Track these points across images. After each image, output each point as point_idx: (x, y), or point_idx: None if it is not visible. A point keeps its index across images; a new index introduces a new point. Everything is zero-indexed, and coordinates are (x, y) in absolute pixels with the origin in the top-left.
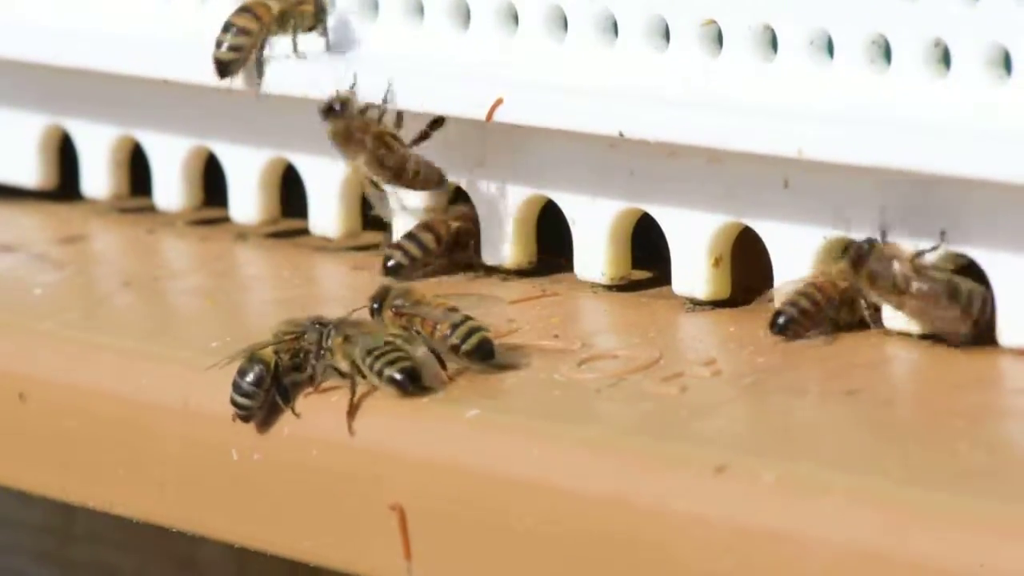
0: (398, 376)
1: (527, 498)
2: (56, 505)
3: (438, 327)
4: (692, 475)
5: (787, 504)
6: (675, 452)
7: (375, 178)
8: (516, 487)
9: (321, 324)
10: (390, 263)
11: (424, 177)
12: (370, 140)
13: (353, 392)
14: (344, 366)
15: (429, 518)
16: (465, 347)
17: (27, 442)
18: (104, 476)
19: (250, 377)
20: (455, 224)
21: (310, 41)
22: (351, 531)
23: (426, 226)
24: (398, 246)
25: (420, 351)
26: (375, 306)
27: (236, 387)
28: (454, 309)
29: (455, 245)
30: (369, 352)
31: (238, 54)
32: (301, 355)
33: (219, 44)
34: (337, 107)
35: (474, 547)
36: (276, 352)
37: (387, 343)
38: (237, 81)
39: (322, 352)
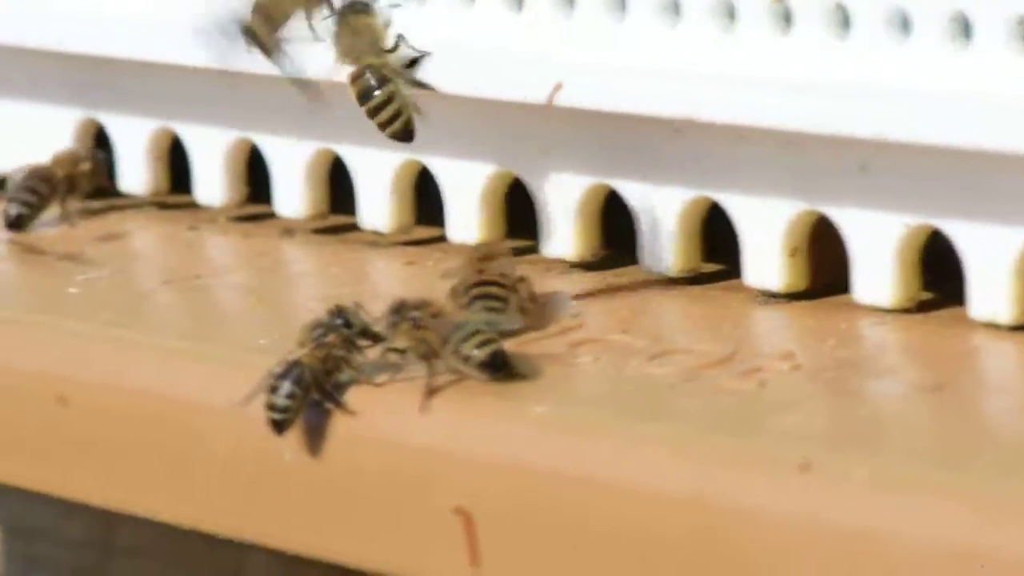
0: (488, 359)
1: (601, 499)
2: (96, 517)
3: (448, 338)
4: (775, 473)
5: (877, 502)
6: (756, 449)
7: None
8: (589, 487)
9: (344, 315)
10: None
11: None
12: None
13: (431, 375)
14: (415, 351)
15: (496, 522)
16: (478, 358)
17: (68, 448)
18: (148, 482)
19: (288, 379)
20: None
21: None
22: (412, 537)
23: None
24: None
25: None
26: (393, 319)
27: (272, 391)
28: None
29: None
30: (452, 334)
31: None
32: (343, 351)
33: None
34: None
35: (545, 551)
36: (315, 352)
37: (468, 324)
38: (277, 68)
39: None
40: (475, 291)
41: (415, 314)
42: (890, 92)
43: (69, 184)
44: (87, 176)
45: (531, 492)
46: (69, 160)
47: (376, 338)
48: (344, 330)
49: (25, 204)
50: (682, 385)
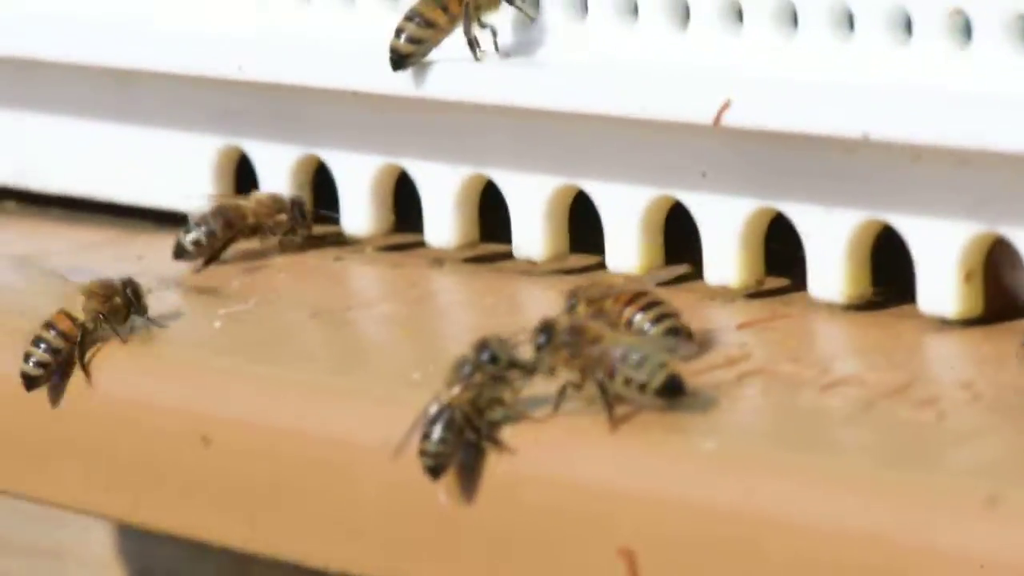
0: (668, 383)
1: (775, 538)
2: (230, 561)
3: (618, 369)
4: (960, 509)
5: None
6: (939, 484)
7: None
8: (763, 526)
9: (489, 350)
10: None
11: None
12: None
13: (609, 405)
14: (577, 379)
15: (663, 563)
16: (654, 384)
17: (211, 489)
18: (296, 524)
19: (439, 424)
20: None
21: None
22: None
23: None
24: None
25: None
26: (541, 341)
27: (425, 437)
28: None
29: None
30: (622, 360)
31: (417, 47)
32: (493, 389)
33: (399, 33)
34: None
35: None
36: (464, 393)
37: (634, 349)
38: (426, 88)
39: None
40: (651, 314)
41: (566, 338)
42: None
43: (254, 230)
44: (280, 226)
45: (700, 531)
46: (267, 205)
47: (528, 369)
48: (491, 366)
49: (195, 243)
50: (856, 416)
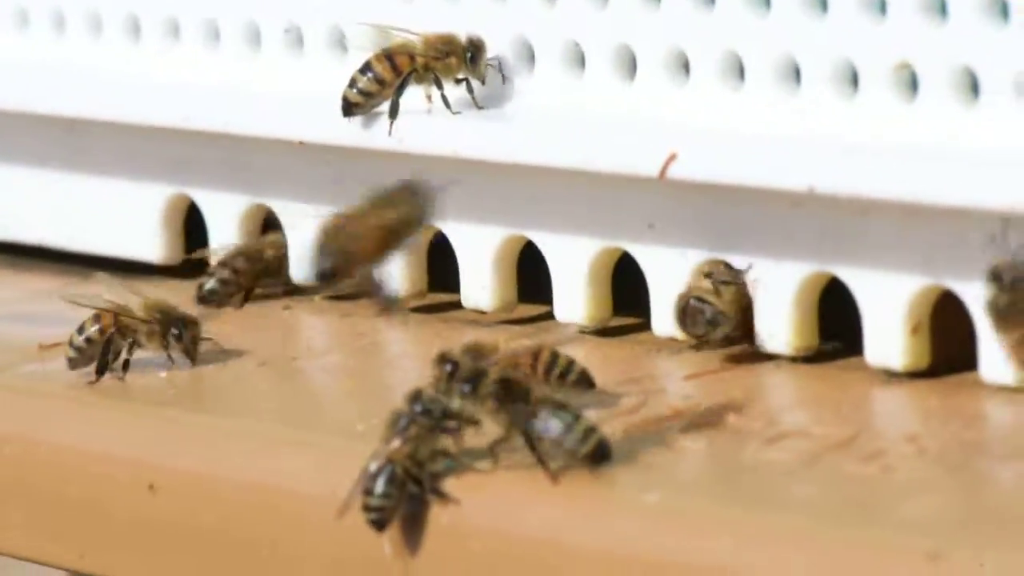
0: (597, 452)
1: None
2: None
3: (544, 434)
4: (903, 564)
5: None
6: (883, 539)
7: None
8: None
9: (421, 403)
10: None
11: None
12: None
13: (541, 459)
14: (506, 434)
15: None
16: (583, 451)
17: (158, 538)
18: (241, 573)
19: (381, 479)
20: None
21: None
22: None
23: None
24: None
25: None
26: (465, 389)
27: (366, 492)
28: (562, 405)
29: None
30: (548, 422)
31: (366, 100)
32: (431, 441)
33: (352, 83)
34: None
35: None
36: (403, 447)
37: (560, 411)
38: (375, 139)
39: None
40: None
41: (493, 389)
42: (1021, 160)
43: (268, 267)
44: (283, 261)
45: None
46: (273, 245)
47: (464, 419)
48: (424, 419)
49: (222, 281)
50: (801, 471)
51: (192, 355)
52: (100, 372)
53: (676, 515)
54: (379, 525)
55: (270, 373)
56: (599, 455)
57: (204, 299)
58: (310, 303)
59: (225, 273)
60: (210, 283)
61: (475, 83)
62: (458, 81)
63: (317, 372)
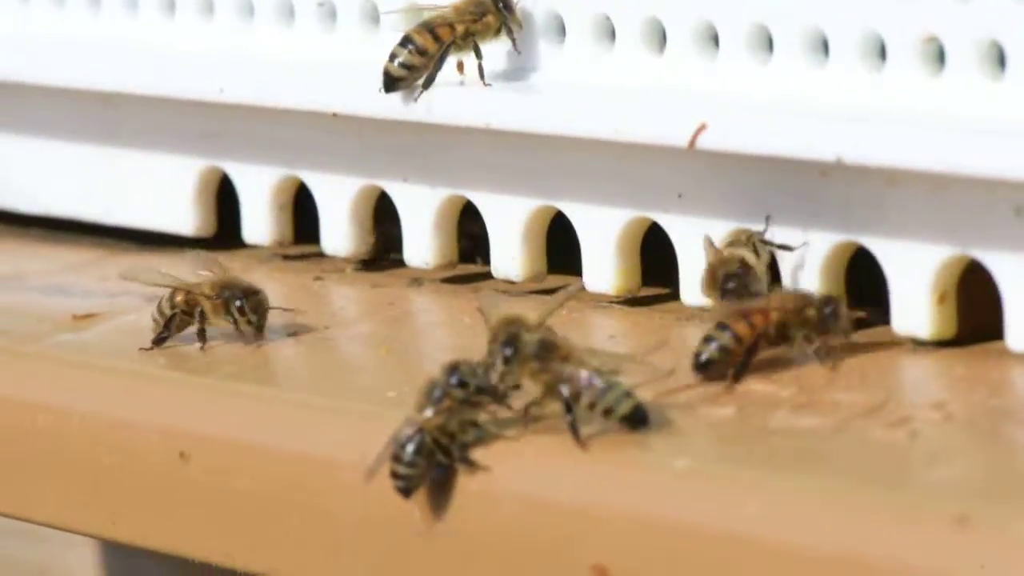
0: (633, 415)
1: (747, 558)
2: None
3: (584, 392)
4: (930, 528)
5: None
6: (910, 503)
7: None
8: (734, 545)
9: (459, 375)
10: None
11: None
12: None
13: (574, 424)
14: (540, 394)
15: None
16: (620, 412)
17: (189, 505)
18: (273, 540)
19: (410, 448)
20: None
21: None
22: None
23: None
24: None
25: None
26: (508, 352)
27: (395, 459)
28: (601, 370)
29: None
30: (589, 383)
31: (409, 73)
32: (463, 413)
33: (392, 57)
34: None
35: None
36: (435, 418)
37: (600, 373)
38: (407, 111)
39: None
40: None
41: (535, 351)
42: None
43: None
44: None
45: (672, 549)
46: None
47: (496, 395)
48: (459, 391)
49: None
50: (829, 437)
51: (257, 326)
52: (157, 343)
53: (706, 479)
54: (406, 492)
55: (301, 342)
56: (637, 418)
57: None
58: (341, 274)
59: None
60: None
61: (514, 34)
62: (497, 32)
63: (348, 341)
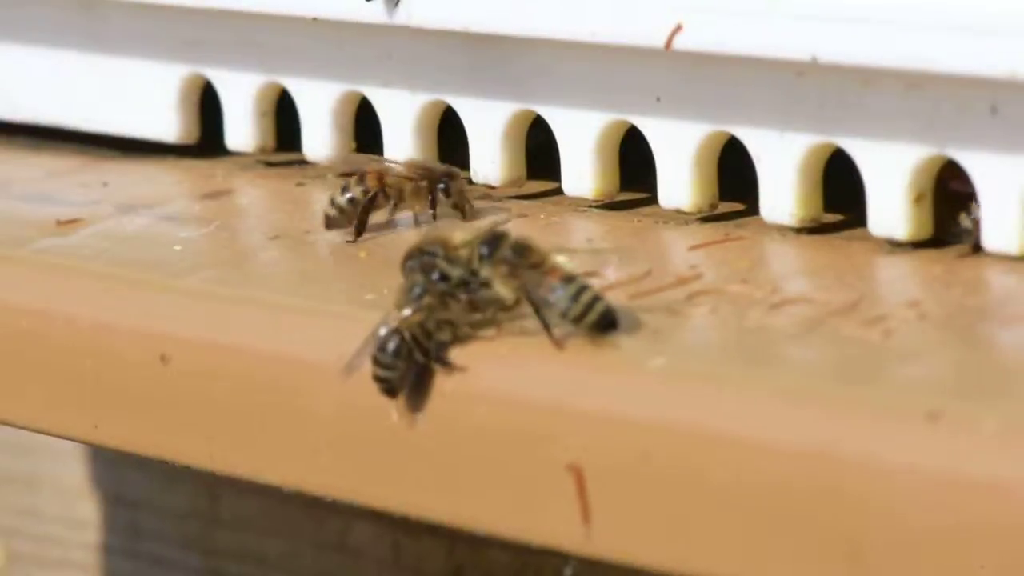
0: (602, 321)
1: (719, 453)
2: (200, 487)
3: (552, 296)
4: (902, 423)
5: (1010, 452)
6: (882, 399)
7: None
8: (707, 442)
9: (435, 270)
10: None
11: None
12: None
13: (546, 324)
14: (513, 301)
15: (610, 478)
16: (589, 319)
17: (170, 407)
18: (253, 441)
19: (390, 347)
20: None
21: None
22: (523, 495)
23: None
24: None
25: None
26: (484, 251)
27: (376, 361)
28: (571, 276)
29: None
30: (556, 290)
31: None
32: (442, 311)
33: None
34: None
35: (660, 508)
36: (413, 316)
37: (569, 282)
38: (386, 15)
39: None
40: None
41: (509, 254)
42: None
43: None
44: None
45: (646, 447)
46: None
47: (478, 281)
48: (440, 285)
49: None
50: (803, 335)
51: (464, 209)
52: (359, 232)
53: (681, 378)
54: (391, 393)
55: (282, 246)
56: (604, 323)
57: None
58: (323, 180)
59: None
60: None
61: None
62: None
63: (328, 246)
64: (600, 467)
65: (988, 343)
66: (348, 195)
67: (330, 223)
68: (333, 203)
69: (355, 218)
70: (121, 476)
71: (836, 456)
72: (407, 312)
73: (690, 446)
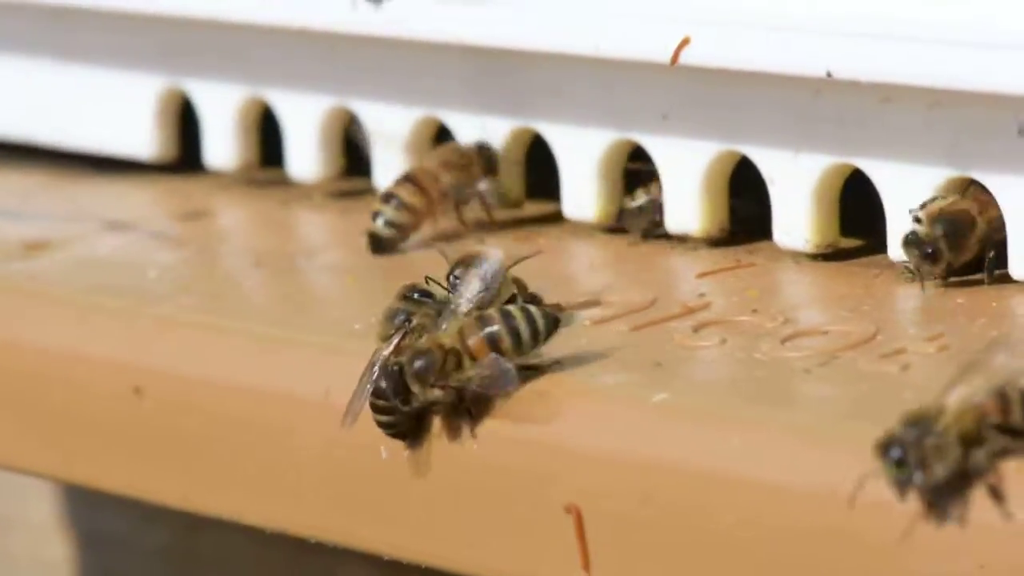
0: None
1: (726, 495)
2: (179, 524)
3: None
4: None
5: None
6: None
7: None
8: (712, 483)
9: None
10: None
11: None
12: None
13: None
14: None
15: (610, 520)
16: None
17: (144, 444)
18: (232, 481)
19: (388, 390)
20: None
21: None
22: (519, 537)
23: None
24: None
25: None
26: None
27: (374, 407)
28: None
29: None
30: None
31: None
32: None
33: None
34: None
35: (663, 553)
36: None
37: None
38: (375, 26)
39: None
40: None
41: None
42: None
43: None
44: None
45: (648, 488)
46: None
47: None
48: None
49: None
50: (817, 369)
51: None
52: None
53: (684, 414)
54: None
55: (265, 272)
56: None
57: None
58: (309, 200)
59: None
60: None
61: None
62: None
63: (314, 271)
64: (600, 510)
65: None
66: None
67: (381, 245)
68: (384, 220)
69: (411, 231)
70: (95, 514)
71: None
72: (393, 344)
73: (693, 487)
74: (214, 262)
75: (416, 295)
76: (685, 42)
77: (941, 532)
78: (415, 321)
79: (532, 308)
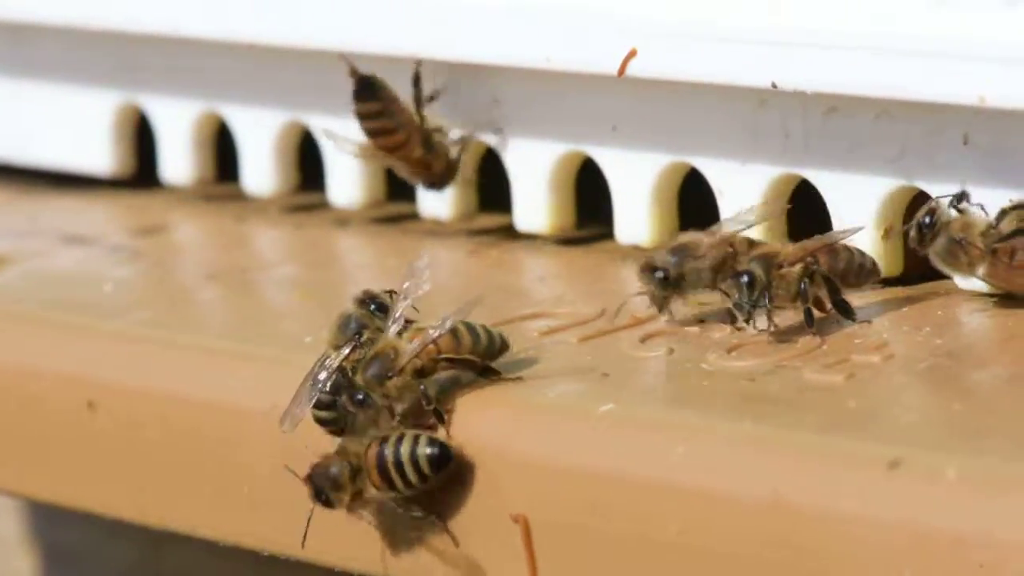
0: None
1: (671, 504)
2: (144, 541)
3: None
4: (862, 473)
5: (971, 503)
6: (842, 447)
7: None
8: (658, 492)
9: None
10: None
11: None
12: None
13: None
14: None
15: (557, 530)
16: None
17: (98, 457)
18: (187, 494)
19: (328, 388)
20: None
21: None
22: (468, 547)
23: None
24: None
25: None
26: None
27: (315, 402)
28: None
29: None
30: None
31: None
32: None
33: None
34: None
35: (610, 562)
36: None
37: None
38: (330, 42)
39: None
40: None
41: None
42: (994, 55)
43: None
44: None
45: (595, 498)
46: None
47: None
48: (380, 315)
49: None
50: (762, 378)
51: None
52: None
53: (630, 424)
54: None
55: (219, 286)
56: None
57: None
58: (264, 215)
59: None
60: None
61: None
62: None
63: (268, 285)
64: (547, 519)
65: (953, 388)
66: None
67: None
68: None
69: None
70: (59, 529)
71: (794, 507)
72: (344, 351)
73: (639, 497)
74: (169, 276)
75: (372, 307)
76: (632, 54)
77: (883, 540)
78: (365, 335)
79: (420, 442)
